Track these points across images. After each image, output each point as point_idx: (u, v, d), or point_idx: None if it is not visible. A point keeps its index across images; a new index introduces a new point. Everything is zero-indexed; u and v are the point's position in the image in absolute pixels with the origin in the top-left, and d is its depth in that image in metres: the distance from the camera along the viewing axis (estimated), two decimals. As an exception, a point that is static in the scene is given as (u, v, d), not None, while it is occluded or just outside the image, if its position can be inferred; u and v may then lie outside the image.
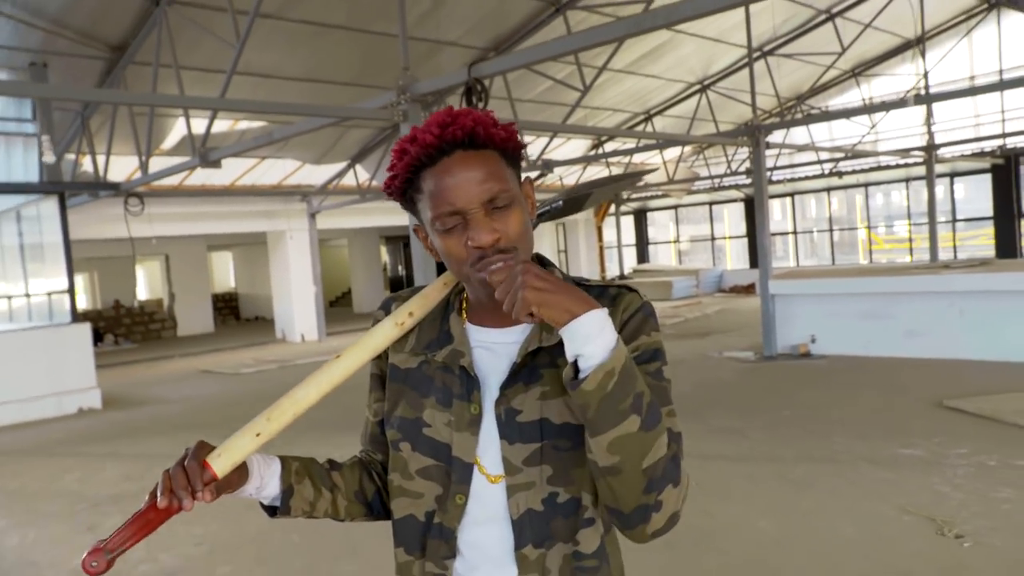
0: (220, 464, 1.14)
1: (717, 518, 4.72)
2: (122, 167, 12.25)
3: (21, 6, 8.76)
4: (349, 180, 16.11)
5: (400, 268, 27.40)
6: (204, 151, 8.56)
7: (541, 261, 1.29)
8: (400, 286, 27.28)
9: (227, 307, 26.93)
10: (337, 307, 27.66)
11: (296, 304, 17.35)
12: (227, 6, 8.02)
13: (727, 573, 3.96)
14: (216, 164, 8.61)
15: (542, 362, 1.20)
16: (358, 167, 15.55)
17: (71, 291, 10.42)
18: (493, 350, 1.23)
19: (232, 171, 14.32)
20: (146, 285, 25.41)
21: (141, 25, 9.57)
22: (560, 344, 1.14)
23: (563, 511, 1.17)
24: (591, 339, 1.02)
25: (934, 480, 5.02)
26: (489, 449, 1.19)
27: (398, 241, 26.90)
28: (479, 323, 1.26)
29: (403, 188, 1.19)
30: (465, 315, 1.28)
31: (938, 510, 4.48)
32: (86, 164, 11.93)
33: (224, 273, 29.10)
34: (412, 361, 1.27)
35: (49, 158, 8.99)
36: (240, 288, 27.75)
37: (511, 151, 1.19)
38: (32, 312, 11.23)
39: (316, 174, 15.95)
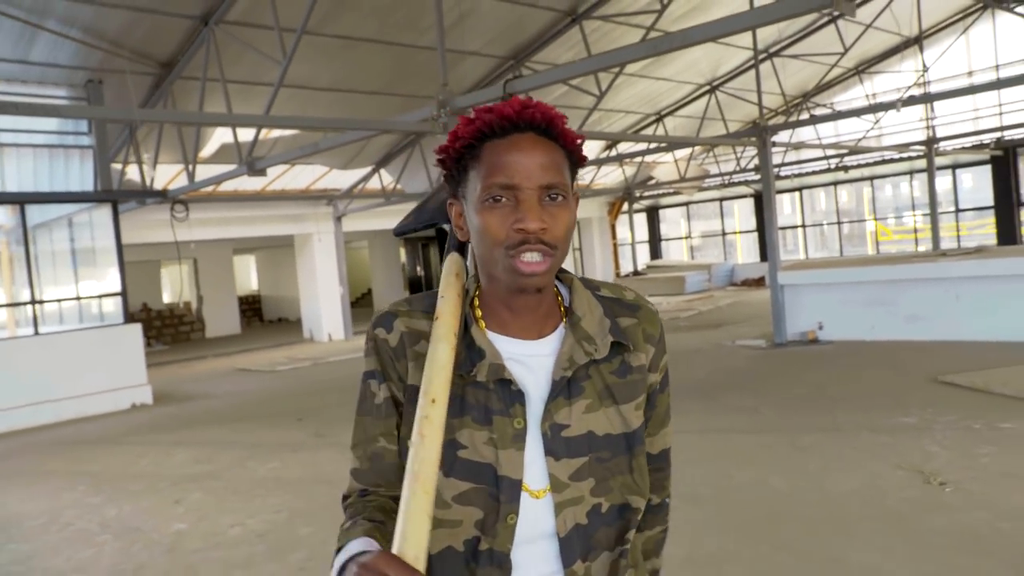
0: (423, 561, 1.00)
1: (736, 479, 5.38)
2: (162, 174, 12.98)
3: (83, 28, 9.49)
4: (373, 184, 16.82)
5: (419, 268, 28.12)
6: (251, 160, 9.26)
7: (559, 276, 1.26)
8: (418, 286, 27.96)
9: (250, 309, 27.70)
10: (358, 307, 28.37)
11: (323, 304, 18.07)
12: (271, 24, 8.70)
13: (748, 522, 4.61)
14: (262, 172, 9.29)
15: (580, 375, 1.17)
16: (382, 171, 16.25)
17: (124, 293, 11.16)
18: (525, 363, 1.18)
19: (263, 177, 15.03)
20: (169, 288, 26.21)
21: (189, 43, 10.28)
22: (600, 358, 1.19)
23: (606, 520, 1.17)
24: None
25: (925, 442, 5.69)
26: (532, 466, 1.15)
27: (416, 242, 27.62)
28: (502, 333, 1.20)
29: (460, 154, 1.15)
30: (483, 324, 1.20)
31: (927, 465, 5.17)
32: (130, 172, 12.67)
33: (245, 276, 29.87)
34: None
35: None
36: (263, 290, 28.53)
37: (575, 157, 1.18)
38: (83, 314, 11.95)
39: (342, 178, 16.66)
